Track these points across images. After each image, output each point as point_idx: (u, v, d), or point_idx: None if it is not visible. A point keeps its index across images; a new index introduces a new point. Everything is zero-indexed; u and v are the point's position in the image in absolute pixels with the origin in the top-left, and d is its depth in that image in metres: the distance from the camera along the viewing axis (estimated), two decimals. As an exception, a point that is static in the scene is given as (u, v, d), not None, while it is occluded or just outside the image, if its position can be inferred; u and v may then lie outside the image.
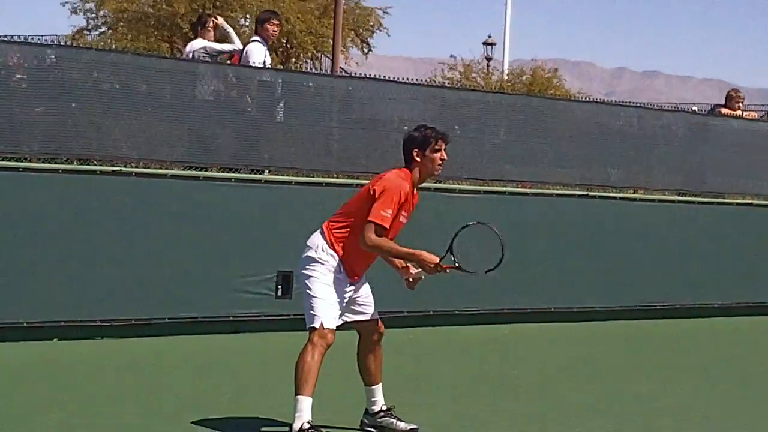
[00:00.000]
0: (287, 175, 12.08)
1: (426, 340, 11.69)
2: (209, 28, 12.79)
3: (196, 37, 13.04)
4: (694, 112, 19.18)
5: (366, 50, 36.07)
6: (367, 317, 7.26)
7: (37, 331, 10.25)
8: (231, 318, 11.25)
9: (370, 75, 13.43)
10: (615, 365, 11.06)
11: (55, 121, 10.85)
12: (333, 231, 7.08)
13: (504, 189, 13.36)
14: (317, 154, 12.54)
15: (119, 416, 7.62)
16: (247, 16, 32.09)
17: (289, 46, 32.85)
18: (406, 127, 11.50)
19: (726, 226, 14.81)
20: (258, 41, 12.64)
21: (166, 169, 11.38)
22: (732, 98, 16.02)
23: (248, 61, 12.40)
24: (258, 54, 12.43)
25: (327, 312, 6.93)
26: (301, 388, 6.78)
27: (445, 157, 7.19)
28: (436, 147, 7.14)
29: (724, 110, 15.95)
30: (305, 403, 6.77)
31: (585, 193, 13.84)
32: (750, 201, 15.34)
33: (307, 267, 7.05)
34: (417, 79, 16.90)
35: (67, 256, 10.43)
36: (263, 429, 7.44)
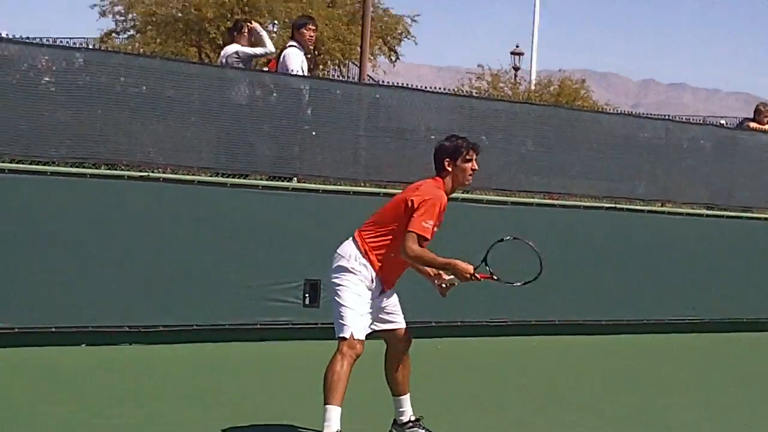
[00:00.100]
0: (315, 183, 12.05)
1: (454, 351, 11.64)
2: (244, 33, 12.79)
3: (231, 43, 13.02)
4: (722, 125, 19.09)
5: (393, 58, 36.04)
6: (395, 326, 7.22)
7: (65, 336, 10.24)
8: (258, 326, 11.21)
9: (397, 83, 13.39)
10: (644, 378, 10.97)
11: (83, 125, 10.84)
12: (367, 240, 7.03)
13: (531, 200, 13.32)
14: (345, 162, 12.52)
15: (153, 423, 7.62)
16: (275, 21, 32.12)
17: (317, 53, 32.89)
18: (433, 137, 11.45)
19: (754, 240, 14.75)
20: (295, 46, 12.52)
21: (193, 175, 11.38)
22: (761, 112, 15.97)
23: (285, 67, 12.31)
24: (295, 60, 12.35)
25: (357, 322, 6.89)
26: (330, 398, 6.75)
27: (476, 167, 7.18)
28: (468, 157, 7.13)
29: (753, 124, 15.91)
30: (334, 412, 6.74)
31: (612, 205, 13.80)
32: (779, 215, 15.25)
33: (339, 276, 7.01)
34: (444, 88, 16.86)
35: (93, 262, 10.42)
36: (292, 438, 7.43)
